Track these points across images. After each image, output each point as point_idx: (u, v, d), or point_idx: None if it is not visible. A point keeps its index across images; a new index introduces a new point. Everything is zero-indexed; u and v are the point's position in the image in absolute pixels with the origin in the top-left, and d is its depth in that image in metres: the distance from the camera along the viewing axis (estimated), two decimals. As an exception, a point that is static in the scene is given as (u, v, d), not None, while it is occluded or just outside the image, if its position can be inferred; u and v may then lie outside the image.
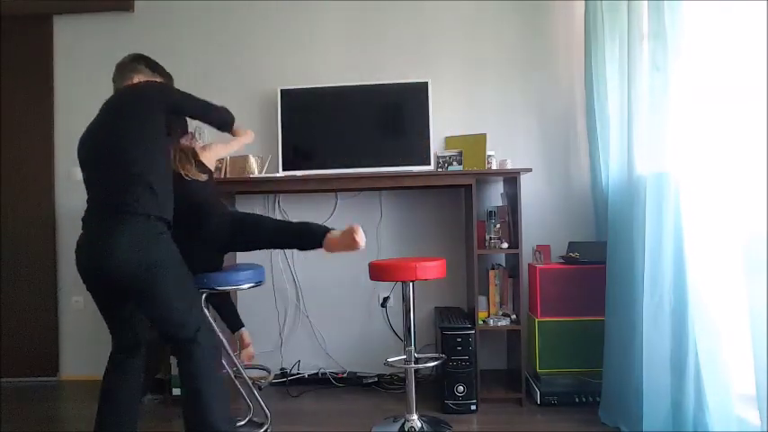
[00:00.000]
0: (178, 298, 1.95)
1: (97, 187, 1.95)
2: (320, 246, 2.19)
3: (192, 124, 2.33)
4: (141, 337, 2.11)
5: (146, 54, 2.21)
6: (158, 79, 2.18)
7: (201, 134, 3.12)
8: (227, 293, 2.51)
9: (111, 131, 1.95)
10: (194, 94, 2.29)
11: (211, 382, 1.96)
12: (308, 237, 2.22)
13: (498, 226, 2.91)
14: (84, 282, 1.97)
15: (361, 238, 2.11)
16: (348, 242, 2.12)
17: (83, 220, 1.97)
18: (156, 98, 2.02)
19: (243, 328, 2.61)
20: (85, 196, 1.98)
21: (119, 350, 2.10)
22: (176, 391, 2.89)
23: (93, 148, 1.98)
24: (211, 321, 2.19)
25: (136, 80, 2.12)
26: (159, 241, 1.92)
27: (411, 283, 2.50)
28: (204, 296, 2.25)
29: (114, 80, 2.17)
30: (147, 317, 2.03)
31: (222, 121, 2.29)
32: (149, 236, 1.90)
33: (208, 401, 1.93)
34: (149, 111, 1.98)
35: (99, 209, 1.93)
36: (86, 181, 1.99)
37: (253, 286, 2.26)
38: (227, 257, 2.52)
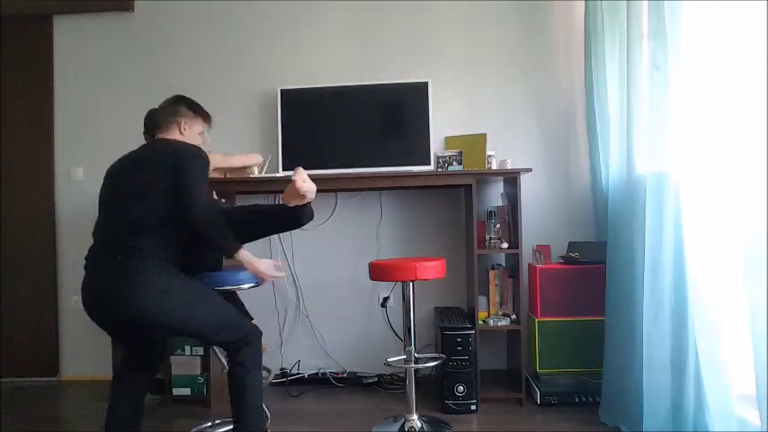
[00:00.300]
0: (213, 316, 2.02)
1: (107, 229, 1.96)
2: (292, 211, 2.22)
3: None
4: (157, 347, 2.16)
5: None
6: (200, 121, 2.21)
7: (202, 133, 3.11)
8: (233, 291, 2.52)
9: (133, 182, 1.97)
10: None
11: (257, 368, 2.08)
12: (279, 213, 2.29)
13: (498, 226, 2.91)
14: (93, 320, 1.98)
15: (298, 176, 2.09)
16: (292, 188, 2.13)
17: (86, 258, 1.97)
18: (178, 167, 1.98)
19: (251, 321, 2.62)
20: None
21: (132, 357, 2.13)
22: (176, 391, 2.89)
23: (113, 189, 2.01)
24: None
25: (182, 123, 2.15)
26: (174, 278, 1.95)
27: (411, 283, 2.50)
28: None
29: (157, 117, 2.20)
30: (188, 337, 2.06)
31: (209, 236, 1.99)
32: (164, 274, 1.92)
33: (253, 388, 2.04)
34: (168, 174, 1.96)
35: (105, 250, 1.94)
36: (98, 220, 2.02)
37: (253, 286, 2.26)
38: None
